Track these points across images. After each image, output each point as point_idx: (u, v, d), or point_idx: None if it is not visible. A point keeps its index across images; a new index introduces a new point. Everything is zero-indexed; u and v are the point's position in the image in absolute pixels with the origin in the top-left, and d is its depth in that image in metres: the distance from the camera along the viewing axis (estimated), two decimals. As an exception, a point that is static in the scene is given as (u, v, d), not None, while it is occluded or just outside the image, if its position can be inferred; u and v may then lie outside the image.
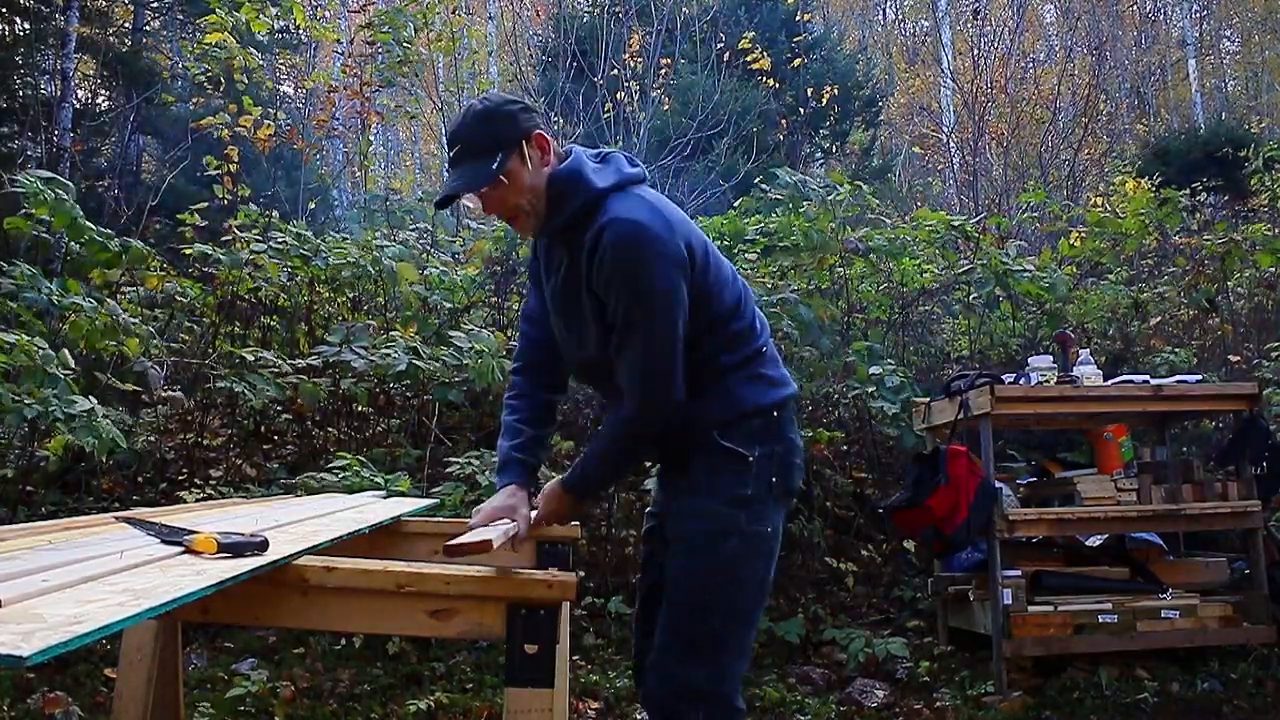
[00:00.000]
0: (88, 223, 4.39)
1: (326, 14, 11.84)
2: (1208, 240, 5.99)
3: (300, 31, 9.24)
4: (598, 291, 1.91)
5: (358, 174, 10.73)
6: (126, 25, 10.54)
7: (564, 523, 2.19)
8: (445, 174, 2.03)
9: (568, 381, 2.26)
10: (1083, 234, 6.24)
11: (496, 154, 1.86)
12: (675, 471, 2.08)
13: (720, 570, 1.95)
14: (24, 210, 4.25)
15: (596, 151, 2.02)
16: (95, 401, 3.85)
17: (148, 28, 10.72)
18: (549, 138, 1.93)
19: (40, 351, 3.68)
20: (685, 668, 1.93)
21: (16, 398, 3.62)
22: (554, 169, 1.94)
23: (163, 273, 5.20)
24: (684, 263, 1.90)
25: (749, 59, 8.86)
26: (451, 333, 4.68)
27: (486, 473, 4.01)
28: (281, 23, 8.04)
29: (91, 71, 10.06)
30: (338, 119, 7.72)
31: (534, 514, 2.05)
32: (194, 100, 8.47)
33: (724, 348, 2.00)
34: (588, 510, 2.11)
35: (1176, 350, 5.63)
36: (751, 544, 1.98)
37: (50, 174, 4.34)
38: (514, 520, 1.95)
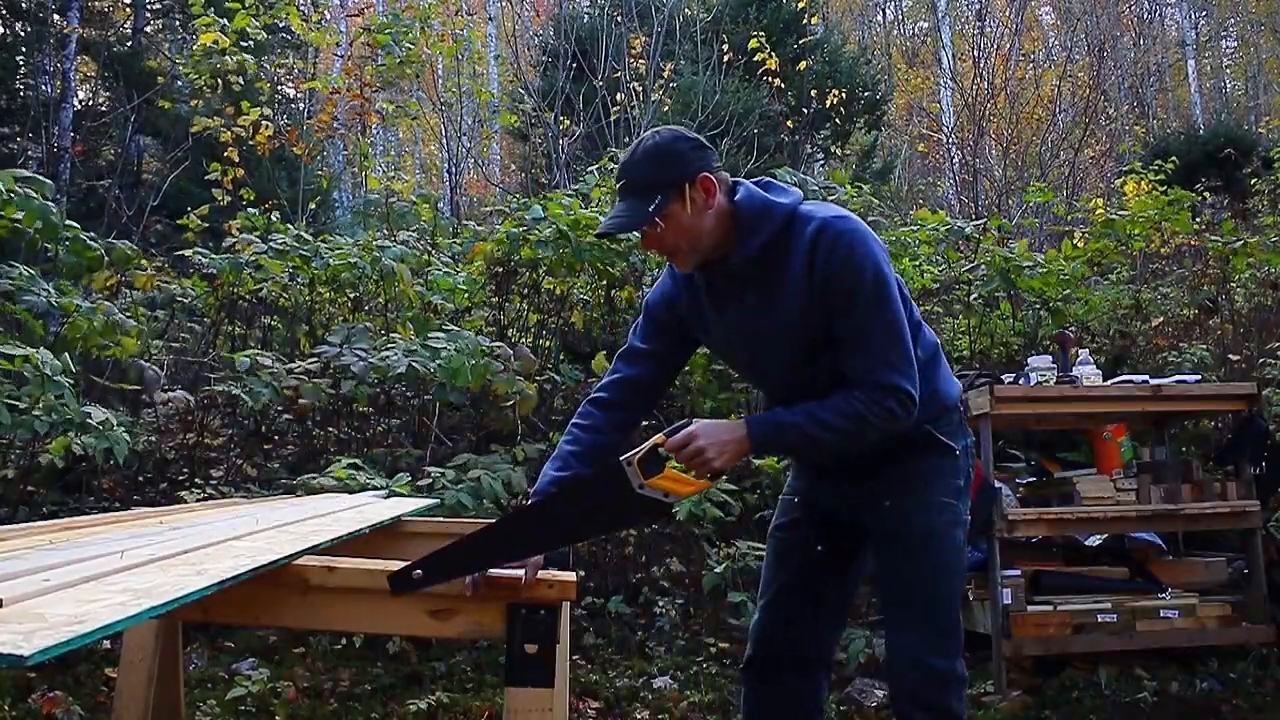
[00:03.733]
0: (68, 223, 4.28)
1: (326, 15, 11.85)
2: (1214, 241, 5.99)
3: (297, 35, 9.25)
4: (822, 294, 1.91)
5: (358, 175, 10.74)
6: (127, 27, 10.55)
7: (702, 471, 1.83)
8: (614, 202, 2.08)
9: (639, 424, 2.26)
10: (1086, 235, 6.25)
11: (655, 196, 1.88)
12: (881, 465, 2.07)
13: (955, 560, 2.07)
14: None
15: (756, 181, 2.05)
16: (106, 411, 3.86)
17: (148, 29, 10.73)
18: (716, 179, 1.93)
19: (45, 363, 3.69)
20: (942, 657, 2.02)
21: (20, 405, 3.63)
22: (728, 203, 1.95)
23: (153, 272, 5.18)
24: (888, 256, 1.99)
25: (757, 59, 8.85)
26: (431, 334, 4.60)
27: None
28: (281, 22, 8.04)
29: (92, 73, 10.07)
30: (338, 121, 7.72)
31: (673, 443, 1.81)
32: (194, 101, 8.47)
33: (915, 341, 2.01)
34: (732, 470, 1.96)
35: (1182, 348, 5.63)
36: (964, 533, 2.10)
37: (29, 174, 4.23)
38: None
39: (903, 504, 2.06)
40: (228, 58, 6.43)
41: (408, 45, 6.57)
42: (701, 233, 1.93)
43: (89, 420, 3.71)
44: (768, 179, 2.09)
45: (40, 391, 3.62)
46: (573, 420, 2.10)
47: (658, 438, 1.79)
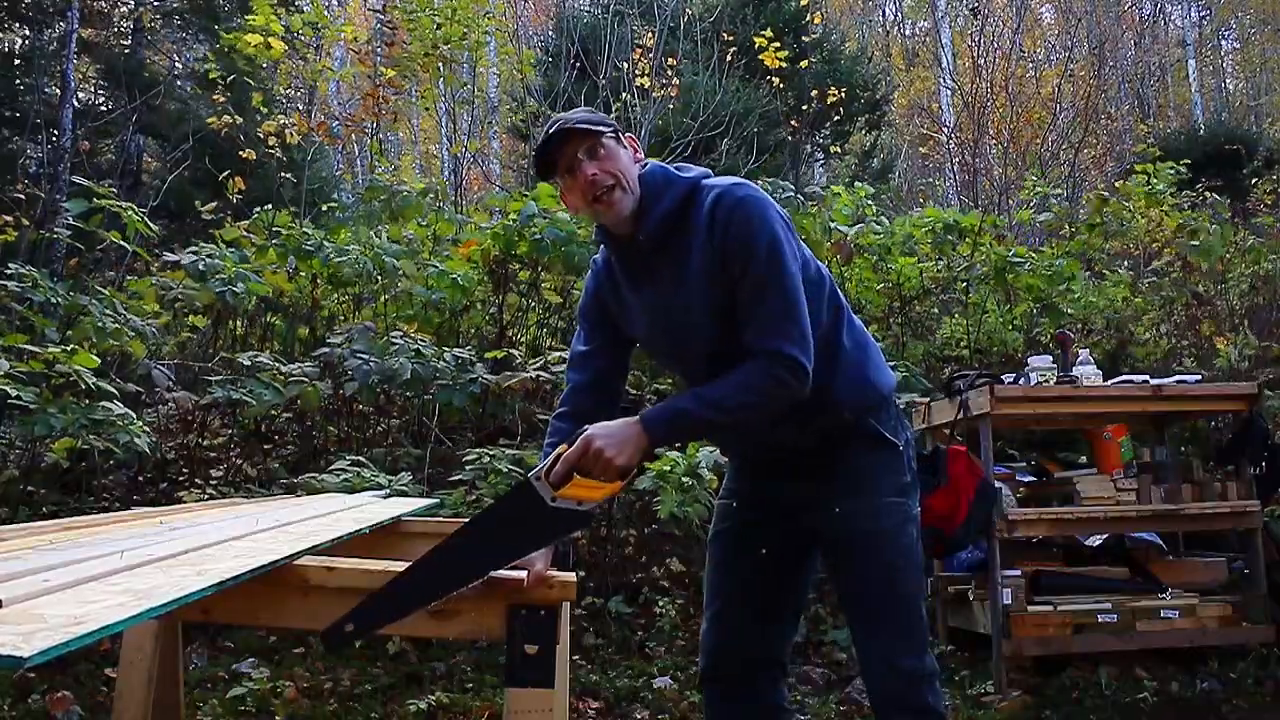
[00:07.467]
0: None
1: (341, 15, 11.85)
2: (1211, 229, 6.00)
3: (305, 33, 9.25)
4: (723, 262, 1.92)
5: (358, 175, 10.74)
6: (127, 27, 10.54)
7: (609, 474, 1.76)
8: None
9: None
10: (1075, 229, 6.28)
11: (607, 126, 1.98)
12: (824, 462, 2.04)
13: (910, 557, 2.05)
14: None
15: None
16: (122, 405, 3.90)
17: (149, 29, 10.72)
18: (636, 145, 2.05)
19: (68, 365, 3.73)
20: (907, 657, 2.03)
21: (31, 404, 3.66)
22: (641, 171, 2.01)
23: (158, 267, 5.20)
24: (789, 225, 1.99)
25: (761, 56, 8.84)
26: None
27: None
28: (284, 20, 8.04)
29: (93, 75, 10.06)
30: (353, 119, 7.77)
31: (566, 458, 1.75)
32: (211, 98, 8.45)
33: (838, 327, 2.01)
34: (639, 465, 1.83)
35: (1180, 343, 5.64)
36: (917, 527, 2.08)
37: (110, 188, 4.52)
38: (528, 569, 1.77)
39: (851, 508, 2.02)
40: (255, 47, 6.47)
41: (451, 19, 6.62)
42: (633, 178, 1.98)
43: (110, 414, 3.74)
44: (676, 163, 2.12)
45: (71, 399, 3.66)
46: (545, 442, 2.10)
47: (560, 448, 1.77)
